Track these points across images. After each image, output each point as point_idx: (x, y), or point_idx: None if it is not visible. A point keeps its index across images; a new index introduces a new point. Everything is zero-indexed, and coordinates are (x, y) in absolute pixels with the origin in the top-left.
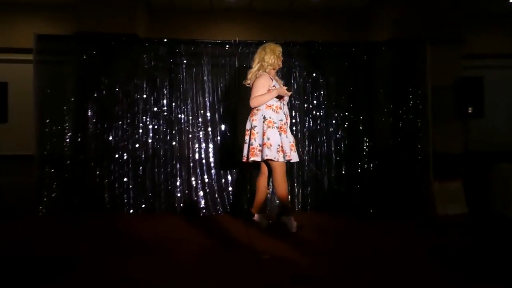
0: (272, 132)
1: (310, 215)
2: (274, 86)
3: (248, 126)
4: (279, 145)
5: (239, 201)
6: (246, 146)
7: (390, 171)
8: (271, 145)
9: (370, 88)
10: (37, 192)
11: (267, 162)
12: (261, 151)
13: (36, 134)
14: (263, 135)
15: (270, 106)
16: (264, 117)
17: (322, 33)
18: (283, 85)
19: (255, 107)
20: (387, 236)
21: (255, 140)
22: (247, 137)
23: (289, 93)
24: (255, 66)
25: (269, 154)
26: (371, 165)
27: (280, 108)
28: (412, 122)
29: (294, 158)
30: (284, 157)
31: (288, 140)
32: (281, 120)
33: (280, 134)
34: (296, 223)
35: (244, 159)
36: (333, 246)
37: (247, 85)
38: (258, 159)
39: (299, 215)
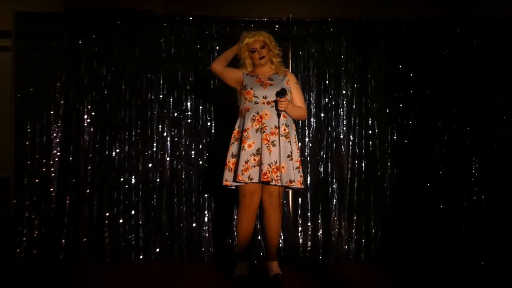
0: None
1: (383, 269)
2: (244, 83)
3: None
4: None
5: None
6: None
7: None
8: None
9: (481, 85)
10: (13, 229)
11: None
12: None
13: (13, 148)
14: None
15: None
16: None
17: (411, 8)
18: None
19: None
20: None
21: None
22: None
23: None
24: None
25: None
26: (483, 196)
27: (248, 110)
28: None
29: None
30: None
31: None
32: (239, 127)
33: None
34: None
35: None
36: None
37: None
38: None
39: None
